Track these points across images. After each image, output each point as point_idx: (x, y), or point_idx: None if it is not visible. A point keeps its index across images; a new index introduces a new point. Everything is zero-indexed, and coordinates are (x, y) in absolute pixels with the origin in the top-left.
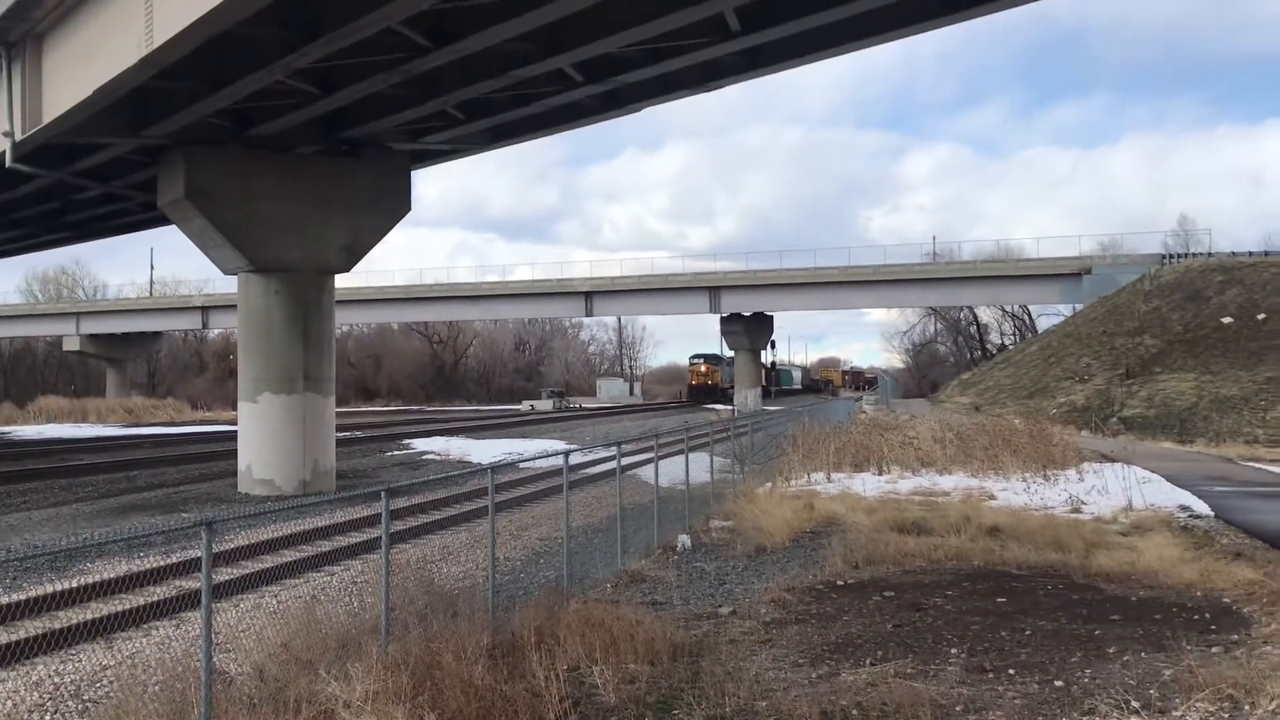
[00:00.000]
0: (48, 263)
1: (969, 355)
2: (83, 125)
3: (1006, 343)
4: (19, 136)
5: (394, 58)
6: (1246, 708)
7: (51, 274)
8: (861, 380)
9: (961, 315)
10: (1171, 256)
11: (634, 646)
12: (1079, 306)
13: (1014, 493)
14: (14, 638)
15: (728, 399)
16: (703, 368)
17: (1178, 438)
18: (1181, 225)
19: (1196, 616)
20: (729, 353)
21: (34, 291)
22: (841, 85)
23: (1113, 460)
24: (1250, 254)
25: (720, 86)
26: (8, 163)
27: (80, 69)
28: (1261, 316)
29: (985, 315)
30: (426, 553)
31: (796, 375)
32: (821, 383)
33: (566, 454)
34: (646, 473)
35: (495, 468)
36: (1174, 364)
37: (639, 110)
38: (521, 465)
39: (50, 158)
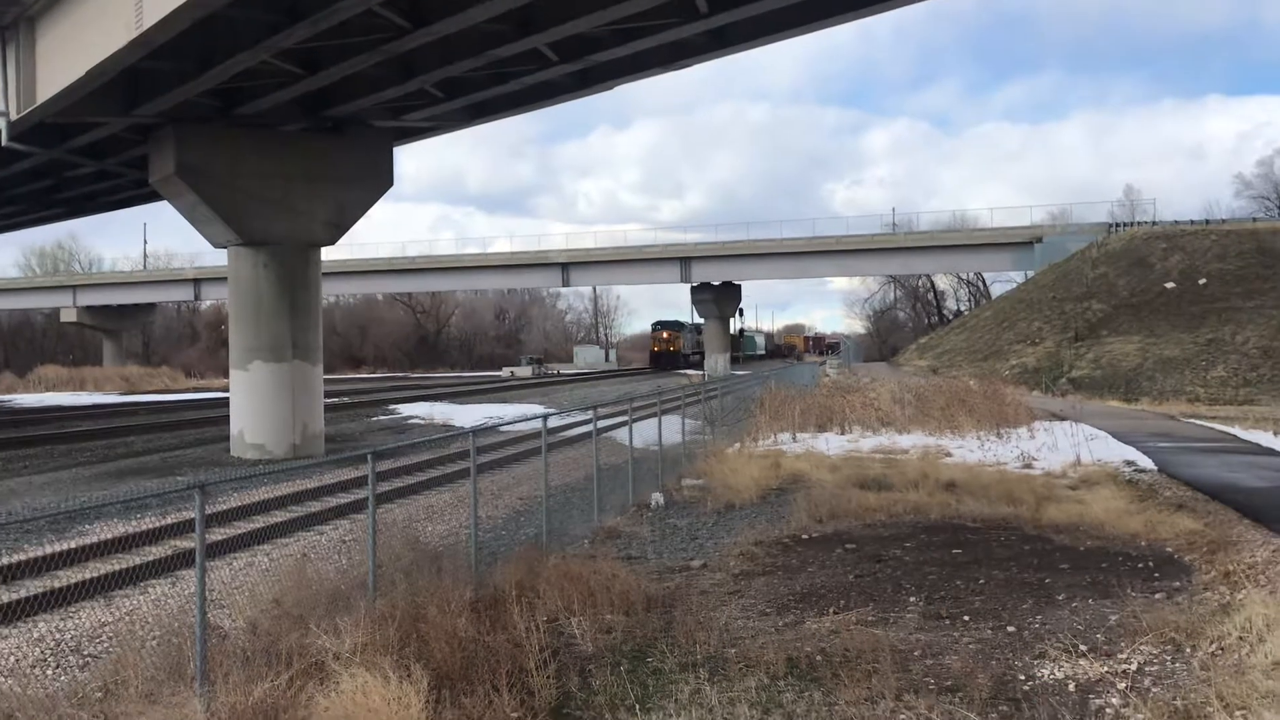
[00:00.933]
0: (44, 238)
1: (927, 321)
2: (76, 105)
3: (962, 308)
4: (14, 116)
5: (375, 38)
6: (1188, 650)
7: (48, 248)
8: (823, 345)
9: (920, 283)
10: (1118, 225)
11: (610, 598)
12: (1031, 273)
13: (969, 450)
14: (16, 596)
15: (690, 365)
16: (664, 334)
17: (1123, 397)
18: (1127, 196)
19: (1141, 565)
20: (697, 320)
21: (31, 265)
22: (803, 64)
23: (1062, 419)
24: (1192, 222)
25: (688, 65)
26: (3, 141)
27: (73, 50)
28: (1202, 282)
29: (942, 282)
30: (412, 512)
31: (760, 341)
32: (785, 348)
33: (545, 417)
34: (622, 435)
35: (477, 431)
36: (1120, 327)
37: (611, 88)
38: (502, 429)
39: (44, 136)
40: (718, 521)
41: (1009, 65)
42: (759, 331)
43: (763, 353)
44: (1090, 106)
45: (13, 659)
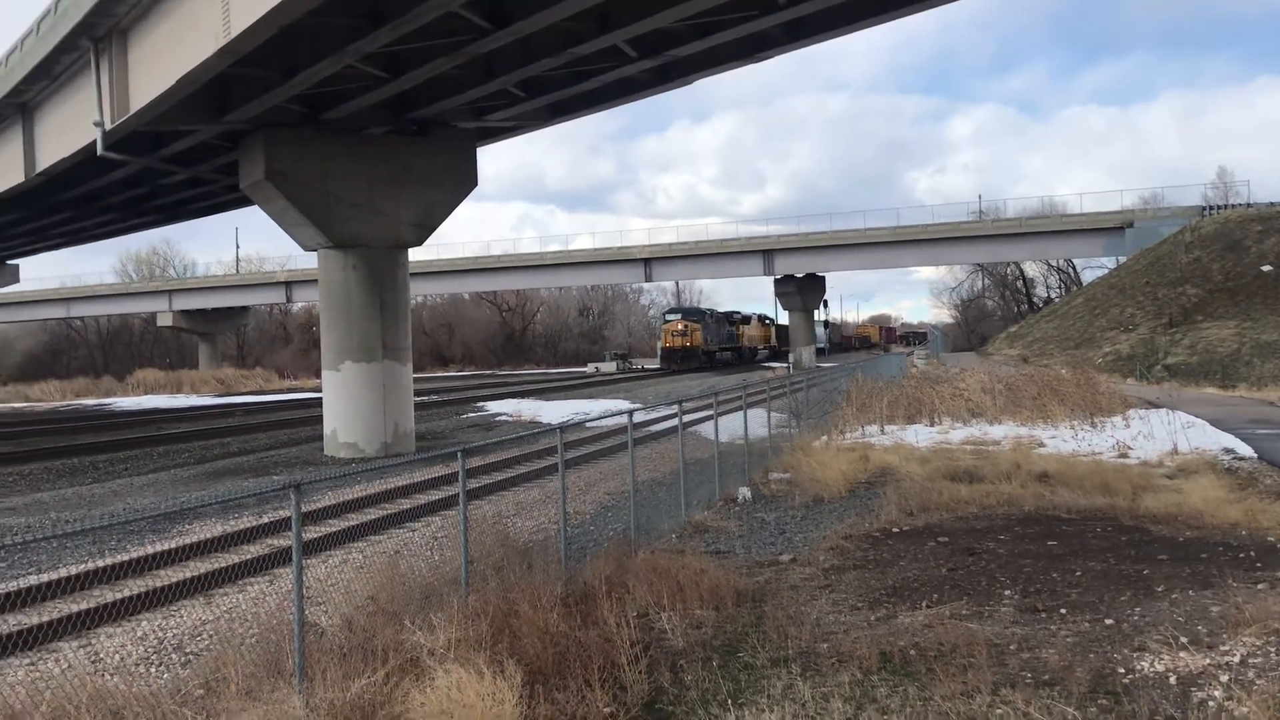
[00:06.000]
0: (139, 244)
1: (1016, 309)
2: (167, 113)
3: (1052, 296)
4: (109, 125)
5: (456, 40)
6: None
7: (143, 254)
8: (894, 336)
9: (1008, 270)
10: (1211, 208)
11: (699, 593)
12: (1122, 259)
13: (1062, 440)
14: (120, 596)
15: (716, 365)
16: (679, 326)
17: (1220, 383)
18: (1220, 178)
19: (1242, 555)
20: (728, 308)
21: (128, 271)
22: (882, 53)
23: (1158, 406)
24: None
25: (766, 58)
26: (99, 151)
27: (163, 60)
28: None
29: (1031, 270)
30: (501, 508)
31: (821, 333)
32: (856, 340)
33: (630, 413)
34: (707, 429)
35: (564, 427)
36: (1215, 312)
37: (689, 83)
38: (588, 424)
39: (138, 145)
40: (806, 515)
41: (1095, 47)
42: (820, 322)
43: (823, 345)
44: (1180, 86)
45: (118, 657)
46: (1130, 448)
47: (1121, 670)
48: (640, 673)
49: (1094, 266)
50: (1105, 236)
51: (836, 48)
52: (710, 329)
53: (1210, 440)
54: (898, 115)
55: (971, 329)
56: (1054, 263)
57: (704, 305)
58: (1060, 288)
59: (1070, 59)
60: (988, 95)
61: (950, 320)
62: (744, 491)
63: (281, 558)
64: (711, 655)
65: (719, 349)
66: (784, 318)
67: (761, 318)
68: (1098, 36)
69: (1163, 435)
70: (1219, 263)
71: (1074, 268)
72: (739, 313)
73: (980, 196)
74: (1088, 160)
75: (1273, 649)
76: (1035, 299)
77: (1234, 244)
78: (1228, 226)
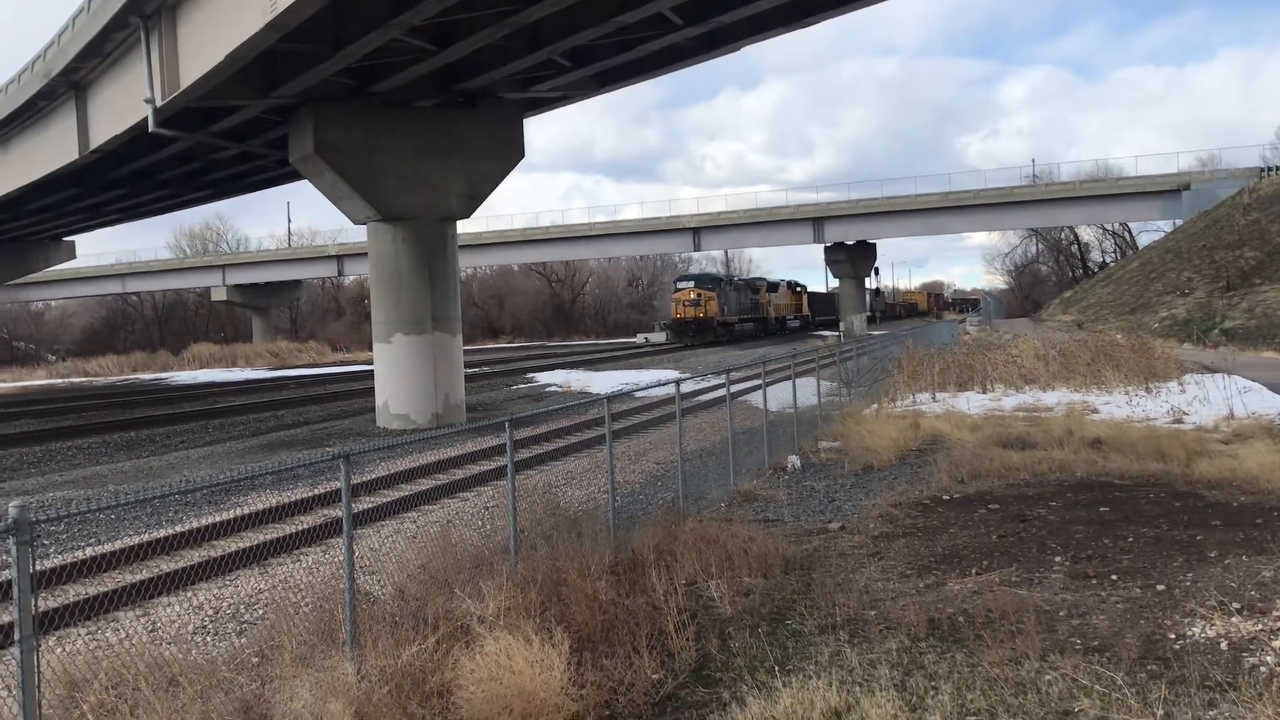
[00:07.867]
0: (192, 219)
1: (1070, 274)
2: (217, 89)
3: (1107, 260)
4: (159, 103)
5: (502, 10)
6: None
7: (197, 230)
8: (943, 303)
9: (1062, 235)
10: (1270, 169)
11: (748, 561)
12: (1179, 222)
13: (1116, 406)
14: (177, 566)
15: (737, 338)
16: (691, 294)
17: (1279, 348)
18: (1279, 138)
19: None
20: (752, 275)
21: (182, 246)
22: (933, 15)
23: (1214, 371)
24: None
25: (814, 23)
26: (150, 128)
27: (212, 36)
28: None
29: (1086, 234)
30: (551, 478)
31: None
32: (902, 307)
33: (678, 382)
34: (756, 398)
35: (611, 397)
36: (1274, 275)
37: (737, 49)
38: (637, 394)
39: (189, 121)
40: (855, 483)
41: (1152, 5)
42: (869, 290)
43: (868, 314)
44: (1238, 44)
45: (175, 626)
46: (1185, 413)
47: (1172, 636)
48: (688, 640)
49: (1150, 230)
50: (1161, 199)
51: (887, 11)
52: (728, 297)
53: (1268, 404)
54: (949, 79)
55: (1025, 295)
56: (1109, 227)
57: (755, 274)
58: (1115, 252)
59: (1126, 18)
60: (1041, 57)
61: (1004, 286)
62: (793, 460)
63: (335, 528)
64: (759, 623)
65: (739, 320)
66: (831, 285)
67: (791, 284)
68: None
69: (1218, 400)
70: (1278, 224)
71: (1129, 231)
72: (763, 279)
73: (1033, 160)
74: (1143, 122)
75: None
76: (1090, 264)
77: None
78: None
